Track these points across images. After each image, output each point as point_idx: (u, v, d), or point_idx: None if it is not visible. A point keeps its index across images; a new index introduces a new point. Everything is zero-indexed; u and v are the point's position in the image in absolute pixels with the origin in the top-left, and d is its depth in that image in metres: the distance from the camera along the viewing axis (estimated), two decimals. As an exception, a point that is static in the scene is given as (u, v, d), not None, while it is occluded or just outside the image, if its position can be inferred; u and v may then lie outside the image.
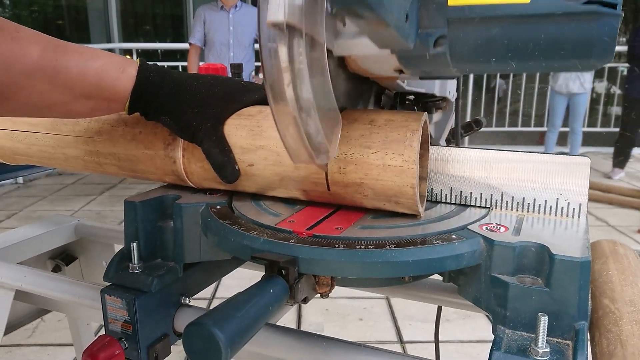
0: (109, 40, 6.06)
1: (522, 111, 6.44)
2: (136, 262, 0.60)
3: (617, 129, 5.05)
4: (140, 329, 0.59)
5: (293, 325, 2.17)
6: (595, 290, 0.53)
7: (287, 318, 2.21)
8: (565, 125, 5.15)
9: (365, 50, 0.45)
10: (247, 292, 0.43)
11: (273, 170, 0.56)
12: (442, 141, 0.78)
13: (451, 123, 0.79)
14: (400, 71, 0.50)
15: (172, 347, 0.65)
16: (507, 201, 0.56)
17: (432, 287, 0.69)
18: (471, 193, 0.58)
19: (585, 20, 0.41)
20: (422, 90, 0.66)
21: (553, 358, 0.41)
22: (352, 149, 0.52)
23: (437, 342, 0.90)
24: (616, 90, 6.36)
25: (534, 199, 0.55)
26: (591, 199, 4.02)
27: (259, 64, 3.55)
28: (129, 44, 5.90)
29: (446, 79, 0.66)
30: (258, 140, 0.57)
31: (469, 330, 2.10)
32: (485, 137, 6.09)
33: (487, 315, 0.49)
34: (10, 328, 0.96)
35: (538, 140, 6.47)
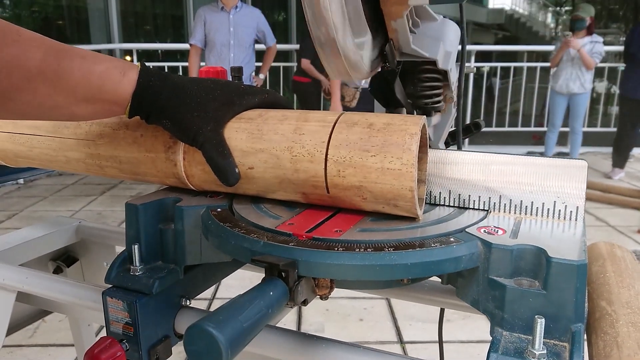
0: (110, 40, 6.06)
1: (513, 111, 6.45)
2: (137, 264, 0.60)
3: (617, 129, 5.05)
4: (141, 330, 0.60)
5: (294, 325, 2.17)
6: (592, 292, 0.53)
7: (287, 318, 2.21)
8: (564, 125, 5.16)
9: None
10: (247, 294, 0.43)
11: (273, 173, 0.57)
12: (441, 144, 0.78)
13: (450, 125, 0.79)
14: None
15: (172, 348, 0.65)
16: (505, 204, 0.57)
17: (431, 288, 0.70)
18: (469, 196, 0.58)
19: None
20: (426, 55, 0.66)
21: (550, 360, 0.42)
22: (351, 152, 0.53)
23: (441, 343, 0.90)
24: (616, 90, 6.37)
25: (532, 202, 0.56)
26: (591, 199, 4.03)
27: (259, 64, 3.52)
28: (129, 44, 5.89)
29: (455, 2, 0.66)
30: (258, 144, 0.57)
31: (469, 330, 2.10)
32: (484, 136, 6.10)
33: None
34: (11, 329, 0.96)
35: (533, 139, 6.48)
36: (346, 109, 3.59)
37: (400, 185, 0.51)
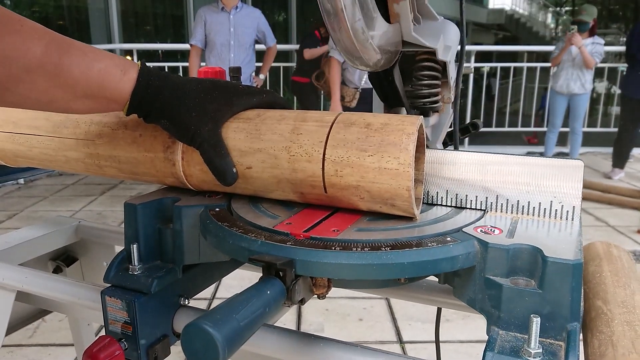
0: (110, 40, 6.06)
1: (513, 111, 6.45)
2: (136, 263, 0.61)
3: (617, 129, 5.05)
4: (140, 329, 0.60)
5: (293, 325, 2.17)
6: (588, 291, 0.53)
7: (287, 318, 2.21)
8: (564, 125, 5.16)
9: None
10: (245, 293, 0.43)
11: (271, 173, 0.57)
12: (439, 144, 0.78)
13: (448, 125, 0.79)
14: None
15: (171, 347, 0.65)
16: (502, 204, 0.57)
17: (429, 288, 0.70)
18: (467, 195, 0.59)
19: None
20: (426, 44, 0.67)
21: (545, 359, 0.42)
22: (349, 152, 0.53)
23: (437, 343, 0.91)
24: (616, 90, 6.37)
25: (529, 202, 0.56)
26: (591, 199, 4.03)
27: (259, 64, 3.51)
28: (130, 44, 5.90)
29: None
30: (256, 143, 0.58)
31: (469, 330, 2.10)
32: (484, 136, 6.10)
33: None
34: (11, 328, 0.96)
35: (527, 139, 6.48)
36: (346, 109, 3.59)
37: (397, 185, 0.51)
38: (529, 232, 0.51)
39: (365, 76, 3.42)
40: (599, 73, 5.90)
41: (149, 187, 0.65)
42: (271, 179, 0.58)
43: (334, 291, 0.54)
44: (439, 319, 0.88)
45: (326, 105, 4.40)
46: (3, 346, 0.88)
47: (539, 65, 6.42)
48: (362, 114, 0.57)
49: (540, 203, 0.56)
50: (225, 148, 0.58)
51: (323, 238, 0.50)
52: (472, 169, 0.58)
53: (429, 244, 0.48)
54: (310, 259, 0.47)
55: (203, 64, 3.78)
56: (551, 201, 0.55)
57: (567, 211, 0.55)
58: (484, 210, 0.58)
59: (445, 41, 0.70)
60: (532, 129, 6.42)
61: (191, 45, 3.75)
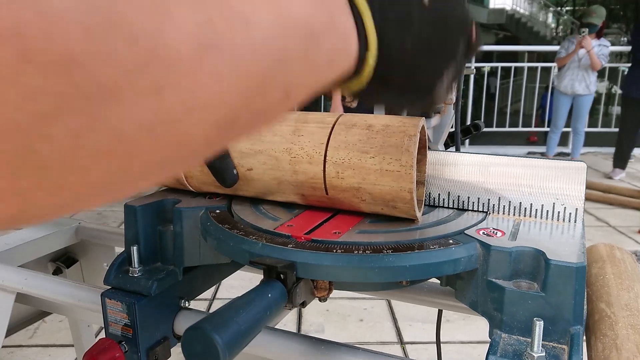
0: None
1: (513, 111, 6.44)
2: (136, 265, 0.60)
3: (618, 129, 5.04)
4: (140, 332, 0.60)
5: (293, 326, 2.17)
6: (591, 294, 0.53)
7: (287, 318, 2.21)
8: (566, 125, 5.15)
9: None
10: (246, 296, 0.43)
11: (272, 175, 0.57)
12: (441, 145, 0.78)
13: (449, 127, 0.79)
14: None
15: (171, 350, 0.65)
16: (504, 206, 0.57)
17: (430, 290, 0.70)
18: (469, 197, 0.58)
19: None
20: None
21: (548, 362, 0.42)
22: (350, 153, 0.53)
23: (438, 345, 0.90)
24: (617, 90, 6.37)
25: (531, 204, 0.56)
26: (592, 199, 4.02)
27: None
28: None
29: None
30: (257, 145, 0.57)
31: (470, 331, 2.10)
32: (484, 136, 6.10)
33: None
34: (11, 330, 0.96)
35: (528, 139, 6.48)
36: (347, 109, 3.58)
37: (399, 187, 0.51)
38: (532, 235, 0.51)
39: (366, 76, 3.41)
40: (600, 73, 5.89)
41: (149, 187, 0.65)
42: (272, 181, 0.57)
43: (335, 292, 0.53)
44: (440, 320, 0.87)
45: (327, 105, 4.40)
46: (3, 347, 0.87)
47: (539, 65, 6.42)
48: (364, 116, 0.57)
49: (542, 205, 0.55)
50: (226, 149, 0.58)
51: (324, 240, 0.49)
52: (474, 171, 0.58)
53: (431, 247, 0.48)
54: (311, 262, 0.47)
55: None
56: (554, 203, 0.55)
57: (570, 213, 0.55)
58: (486, 212, 0.58)
59: None
60: (533, 129, 6.41)
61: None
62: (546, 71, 6.10)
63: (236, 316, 0.40)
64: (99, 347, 0.59)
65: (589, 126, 5.20)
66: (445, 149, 0.81)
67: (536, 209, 0.55)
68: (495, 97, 6.37)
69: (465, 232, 0.51)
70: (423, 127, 0.55)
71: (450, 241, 0.49)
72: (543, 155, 5.21)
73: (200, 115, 0.18)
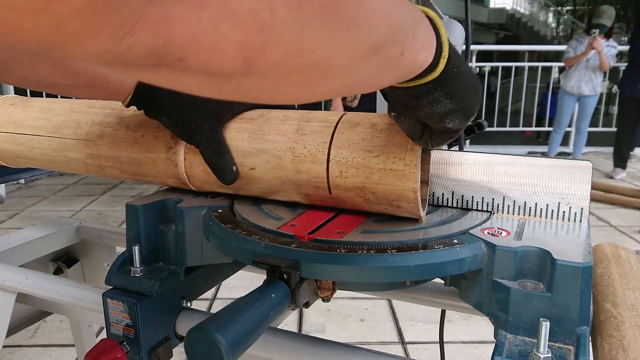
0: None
1: (514, 110, 6.43)
2: (138, 265, 0.60)
3: (615, 129, 5.03)
4: (142, 332, 0.59)
5: (294, 326, 2.17)
6: (597, 294, 0.53)
7: (288, 318, 2.21)
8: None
9: None
10: (249, 296, 0.43)
11: (274, 174, 0.56)
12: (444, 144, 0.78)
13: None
14: None
15: (173, 350, 0.65)
16: (508, 205, 0.56)
17: (434, 290, 0.69)
18: (473, 197, 0.58)
19: None
20: None
21: (555, 363, 0.41)
22: (354, 152, 0.52)
23: (442, 345, 0.90)
24: (617, 89, 6.35)
25: (536, 203, 0.55)
26: (593, 199, 4.01)
27: (260, 64, 3.52)
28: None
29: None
30: (260, 144, 0.57)
31: (471, 331, 2.09)
32: (485, 136, 6.09)
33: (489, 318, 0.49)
34: (12, 330, 0.96)
35: (523, 133, 6.48)
36: (347, 108, 3.58)
37: (403, 186, 0.51)
38: (537, 234, 0.51)
39: (367, 76, 3.40)
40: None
41: (150, 187, 0.65)
42: (275, 180, 0.57)
43: (336, 292, 0.53)
44: (443, 321, 0.87)
45: (327, 105, 4.39)
46: (3, 347, 0.87)
47: (540, 64, 6.41)
48: (367, 114, 0.56)
49: (547, 204, 0.55)
50: (225, 146, 0.58)
51: (328, 240, 0.49)
52: (478, 170, 0.58)
53: (436, 247, 0.47)
54: (315, 262, 0.46)
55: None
56: (559, 203, 0.55)
57: (575, 213, 0.54)
58: (491, 211, 0.57)
59: (451, 40, 0.69)
60: (534, 128, 6.41)
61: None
62: (546, 71, 6.09)
63: (240, 317, 0.40)
64: (100, 347, 0.59)
65: (590, 126, 5.19)
66: (449, 148, 0.81)
67: (541, 209, 0.55)
68: (496, 97, 6.36)
69: (470, 231, 0.51)
70: None
71: (455, 241, 0.49)
72: (544, 154, 5.20)
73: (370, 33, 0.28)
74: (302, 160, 0.54)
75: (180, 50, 0.20)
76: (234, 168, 0.58)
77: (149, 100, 0.57)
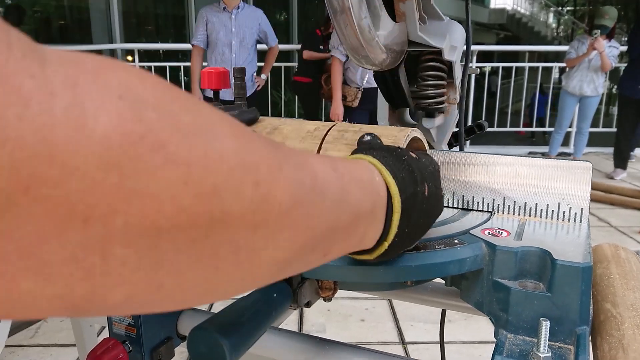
0: (111, 40, 6.06)
1: (514, 111, 6.44)
2: (140, 265, 0.60)
3: (615, 129, 5.03)
4: (144, 332, 0.60)
5: (295, 326, 2.17)
6: (597, 294, 0.53)
7: (289, 318, 2.21)
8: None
9: None
10: (251, 296, 0.43)
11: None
12: (445, 145, 0.78)
13: (453, 126, 0.79)
14: None
15: (175, 349, 0.65)
16: (509, 205, 0.57)
17: (435, 290, 0.70)
18: (473, 197, 0.58)
19: None
20: (432, 43, 0.67)
21: (555, 363, 0.42)
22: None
23: (442, 345, 0.90)
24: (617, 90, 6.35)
25: (536, 204, 0.55)
26: (593, 199, 4.02)
27: (261, 64, 3.50)
28: (131, 44, 5.89)
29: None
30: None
31: (471, 331, 2.10)
32: (485, 136, 6.09)
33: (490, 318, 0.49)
34: (13, 330, 0.96)
35: (518, 133, 6.49)
36: (348, 108, 3.58)
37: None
38: (537, 235, 0.51)
39: (367, 76, 3.40)
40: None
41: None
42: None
43: (337, 291, 0.53)
44: (443, 320, 0.87)
45: (327, 105, 4.40)
46: (5, 346, 0.87)
47: (540, 65, 6.41)
48: (355, 126, 0.57)
49: (547, 205, 0.55)
50: None
51: (329, 240, 0.49)
52: (478, 171, 0.58)
53: (437, 247, 0.48)
54: (316, 262, 0.46)
55: (205, 64, 3.78)
56: (559, 203, 0.55)
57: (575, 213, 0.54)
58: (491, 212, 0.57)
59: (451, 41, 0.70)
60: (534, 128, 6.40)
61: (193, 45, 3.74)
62: (547, 71, 6.09)
63: (242, 317, 0.40)
64: (102, 346, 0.59)
65: (590, 126, 5.20)
66: (449, 148, 0.81)
67: (541, 209, 0.55)
68: (497, 97, 6.36)
69: (471, 232, 0.51)
70: (419, 138, 0.54)
71: (456, 241, 0.49)
72: (545, 155, 5.20)
73: (275, 253, 0.23)
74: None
75: None
76: None
77: None
